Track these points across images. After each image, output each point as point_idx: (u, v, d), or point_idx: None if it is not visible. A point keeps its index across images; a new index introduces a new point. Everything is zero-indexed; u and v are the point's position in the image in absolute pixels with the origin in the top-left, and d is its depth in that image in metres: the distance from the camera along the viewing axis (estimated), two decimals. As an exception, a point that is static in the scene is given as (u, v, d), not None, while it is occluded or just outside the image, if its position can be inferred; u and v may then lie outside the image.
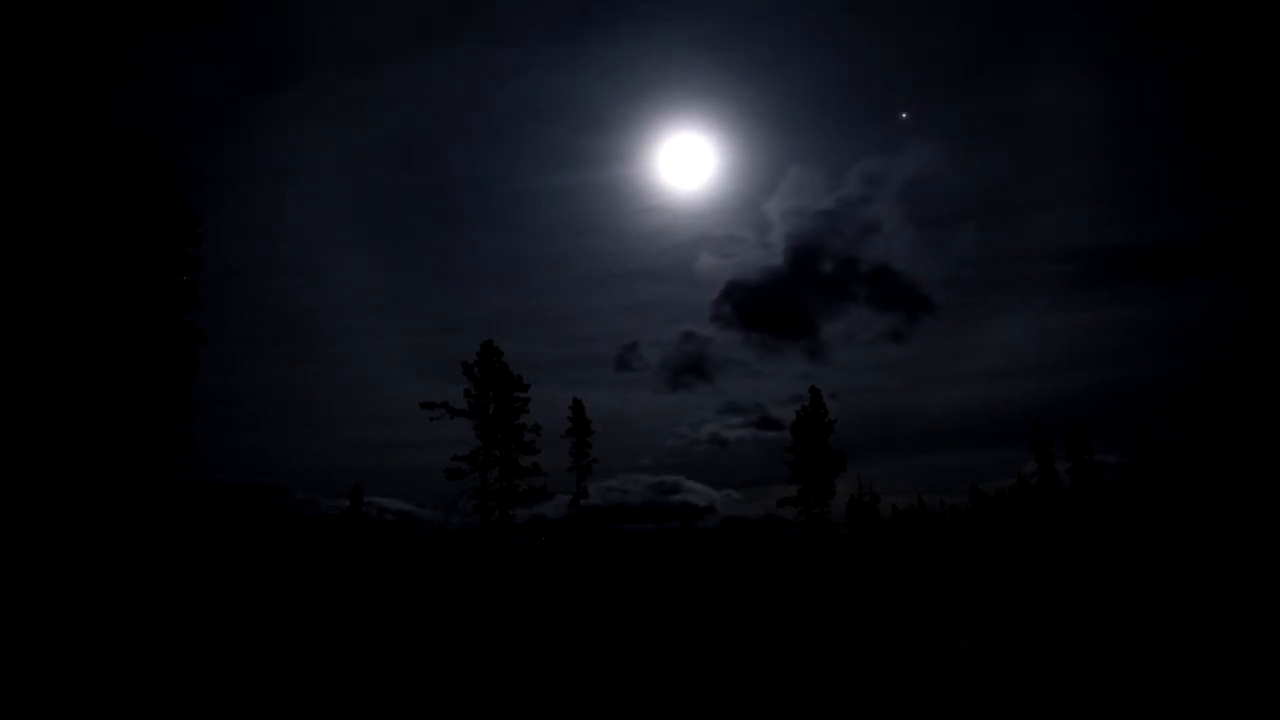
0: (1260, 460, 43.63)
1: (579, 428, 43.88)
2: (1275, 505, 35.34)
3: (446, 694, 12.26)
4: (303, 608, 21.41)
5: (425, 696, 12.06)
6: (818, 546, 43.70)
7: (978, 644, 15.92)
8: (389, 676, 13.33)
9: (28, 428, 20.96)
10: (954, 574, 33.14)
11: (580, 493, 43.32)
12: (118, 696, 11.52)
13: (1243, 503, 38.40)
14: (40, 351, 21.69)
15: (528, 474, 34.18)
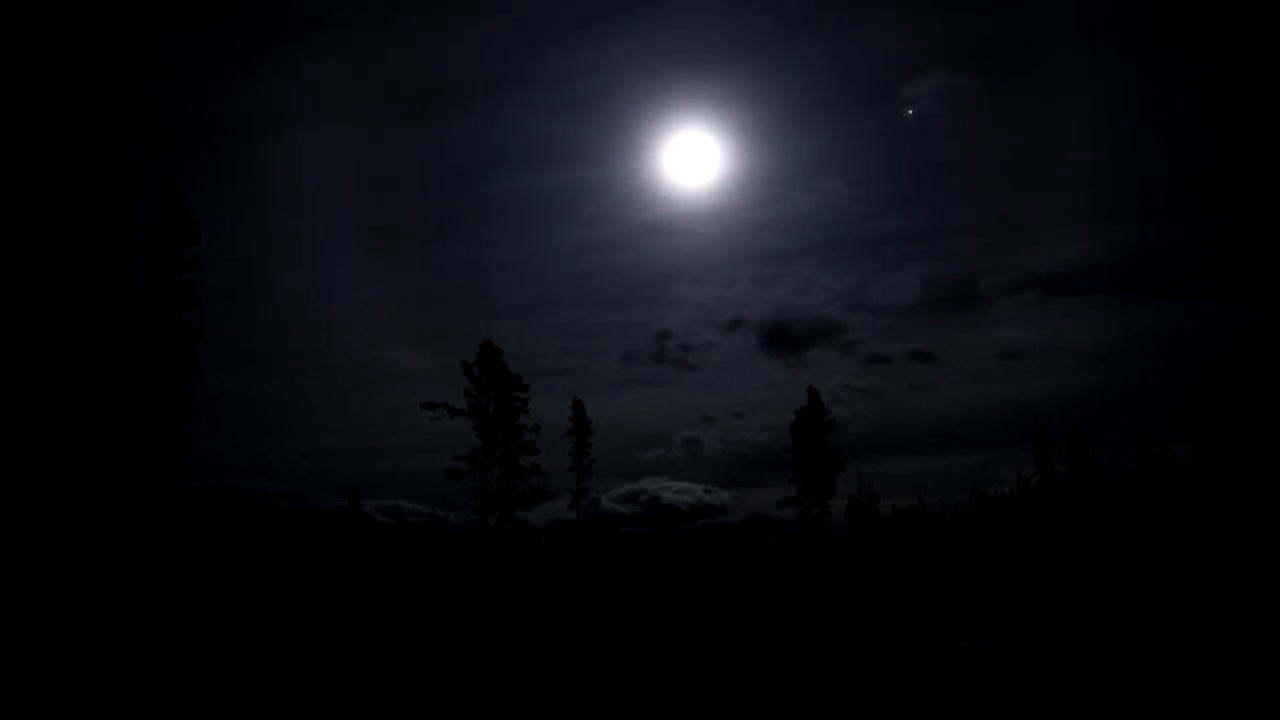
0: (1260, 459, 43.62)
1: (579, 428, 43.80)
2: (1275, 505, 35.33)
3: (449, 689, 12.24)
4: (309, 605, 21.38)
5: (429, 691, 12.04)
6: (817, 546, 43.68)
7: (978, 644, 15.90)
8: (393, 671, 13.31)
9: (28, 428, 20.93)
10: (954, 574, 33.13)
11: (580, 493, 43.24)
12: (122, 695, 11.50)
13: (1243, 502, 38.38)
14: (40, 352, 21.66)
15: (528, 474, 34.06)
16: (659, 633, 18.57)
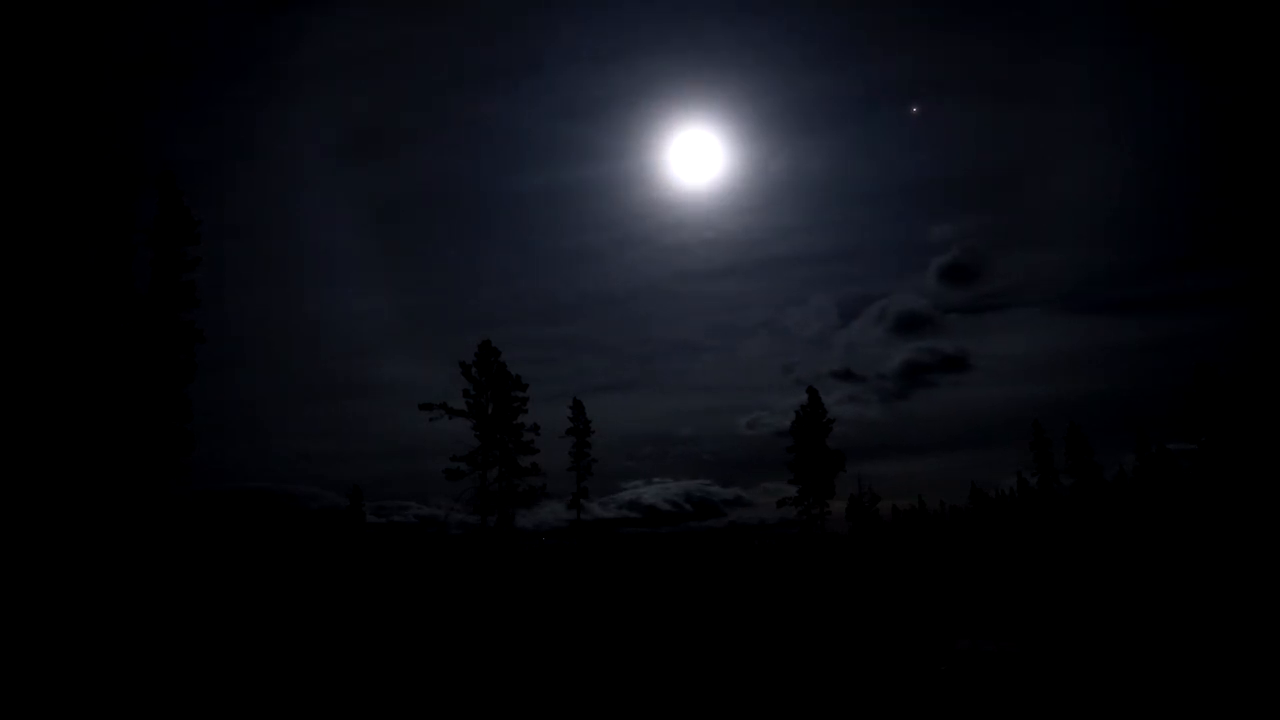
0: (1258, 457, 43.62)
1: (579, 428, 43.82)
2: (1274, 503, 35.32)
3: (449, 688, 12.24)
4: (310, 606, 21.37)
5: (429, 690, 12.03)
6: (818, 546, 43.68)
7: (977, 644, 15.88)
8: (393, 670, 13.30)
9: (27, 429, 20.92)
10: (954, 574, 33.08)
11: (580, 492, 43.25)
12: (122, 694, 11.49)
13: (1242, 500, 38.37)
14: (40, 352, 21.65)
15: (527, 474, 34.07)
16: (658, 632, 18.56)
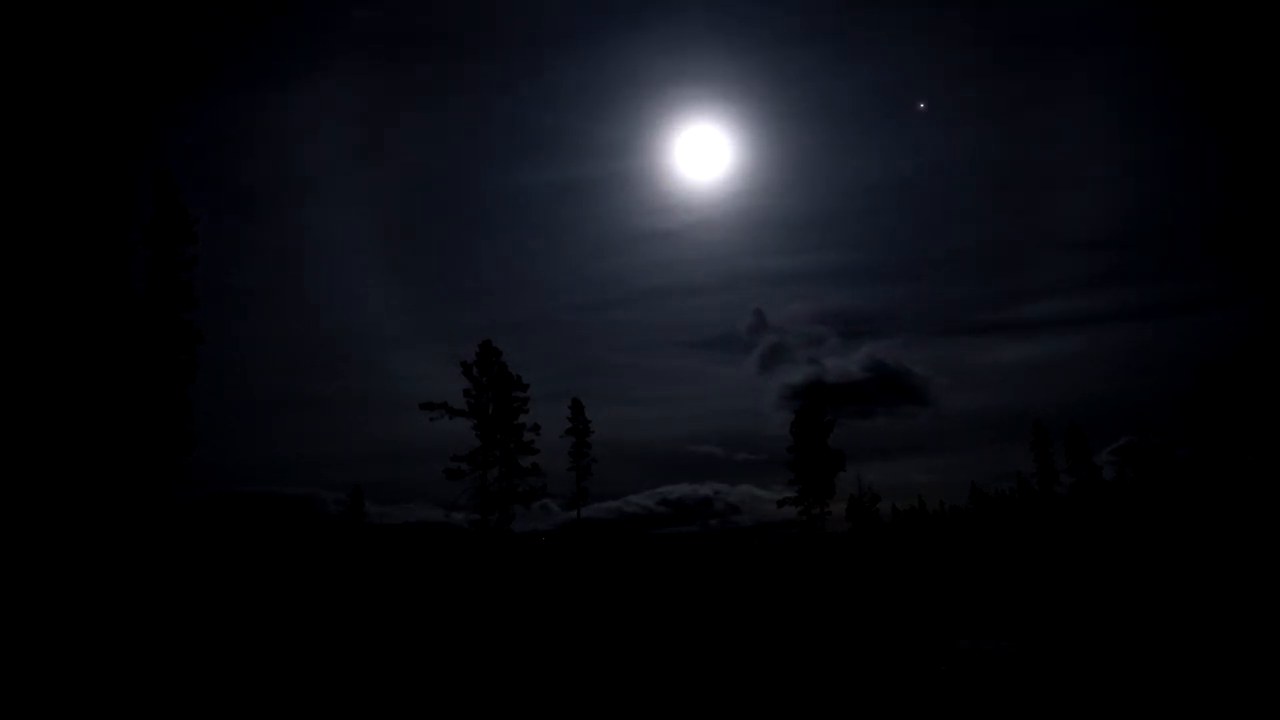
0: (1258, 456, 43.62)
1: (578, 428, 43.84)
2: (1274, 502, 35.30)
3: (446, 687, 12.23)
4: (310, 607, 21.36)
5: (427, 689, 12.02)
6: (818, 546, 43.66)
7: (977, 644, 15.86)
8: (391, 670, 13.30)
9: (27, 429, 20.92)
10: (954, 574, 33.07)
11: (580, 492, 43.27)
12: (123, 695, 11.48)
13: (1242, 500, 38.35)
14: (39, 352, 21.65)
15: (527, 474, 34.09)
16: (657, 631, 18.55)
